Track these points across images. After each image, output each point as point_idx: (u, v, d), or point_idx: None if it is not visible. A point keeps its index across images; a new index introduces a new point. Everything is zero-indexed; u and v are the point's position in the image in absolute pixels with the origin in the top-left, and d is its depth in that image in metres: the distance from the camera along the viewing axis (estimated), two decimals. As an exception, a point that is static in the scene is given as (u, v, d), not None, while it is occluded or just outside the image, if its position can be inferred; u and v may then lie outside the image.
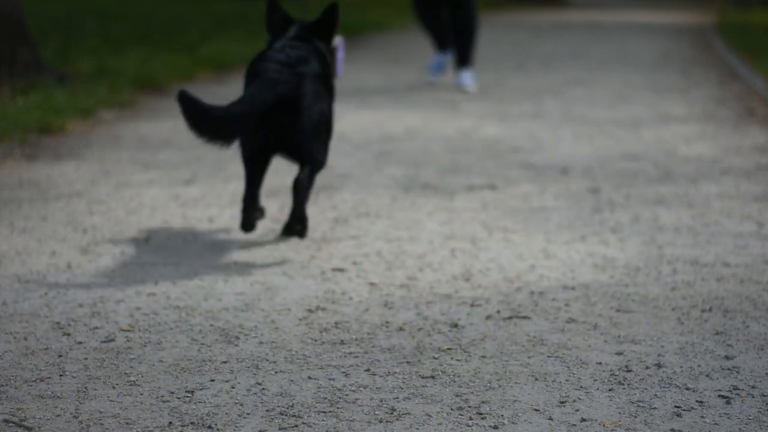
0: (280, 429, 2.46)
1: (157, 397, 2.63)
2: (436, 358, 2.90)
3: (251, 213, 3.85)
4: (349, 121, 6.66)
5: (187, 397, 2.64)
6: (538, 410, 2.58)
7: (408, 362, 2.88)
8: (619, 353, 2.96)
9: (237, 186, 4.89)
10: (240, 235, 4.08)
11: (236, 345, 2.99)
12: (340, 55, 4.09)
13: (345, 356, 2.92)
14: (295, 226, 3.87)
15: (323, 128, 3.85)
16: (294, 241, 4.02)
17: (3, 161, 5.38)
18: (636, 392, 2.69)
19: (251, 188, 3.84)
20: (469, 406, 2.60)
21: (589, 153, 5.79)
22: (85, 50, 8.90)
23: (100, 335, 3.06)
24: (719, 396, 2.68)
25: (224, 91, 7.97)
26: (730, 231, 4.22)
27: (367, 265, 3.75)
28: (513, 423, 2.51)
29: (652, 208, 4.58)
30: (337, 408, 2.58)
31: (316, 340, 3.04)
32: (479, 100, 7.79)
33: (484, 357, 2.92)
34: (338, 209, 4.51)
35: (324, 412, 2.56)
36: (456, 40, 8.23)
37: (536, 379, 2.77)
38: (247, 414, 2.54)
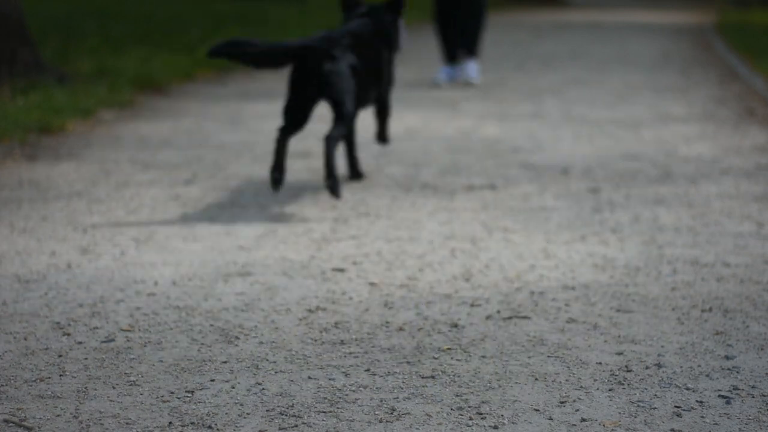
0: (280, 429, 2.46)
1: (157, 397, 2.63)
2: (436, 358, 2.90)
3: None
4: (349, 121, 6.67)
5: (187, 397, 2.64)
6: (538, 410, 2.58)
7: (408, 362, 2.88)
8: (619, 353, 2.96)
9: (237, 186, 4.90)
10: (239, 236, 4.08)
11: (236, 345, 2.99)
12: (403, 34, 5.04)
13: (345, 356, 2.92)
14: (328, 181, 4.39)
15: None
16: (294, 241, 4.02)
17: (3, 161, 5.38)
18: (636, 392, 2.69)
19: None
20: (469, 406, 2.60)
21: (589, 153, 5.79)
22: (85, 50, 8.90)
23: (100, 335, 3.06)
24: (719, 396, 2.68)
25: (224, 92, 7.98)
26: (730, 231, 4.22)
27: (367, 265, 3.75)
28: (513, 423, 2.51)
29: (652, 208, 4.58)
30: (337, 408, 2.58)
31: (316, 340, 3.04)
32: (479, 100, 7.80)
33: (484, 357, 2.92)
34: (338, 209, 4.51)
35: (324, 412, 2.56)
36: (462, 28, 8.52)
37: (536, 379, 2.77)
38: (247, 414, 2.54)
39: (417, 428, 2.48)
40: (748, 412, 2.59)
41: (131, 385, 2.71)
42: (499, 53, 11.05)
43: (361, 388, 2.70)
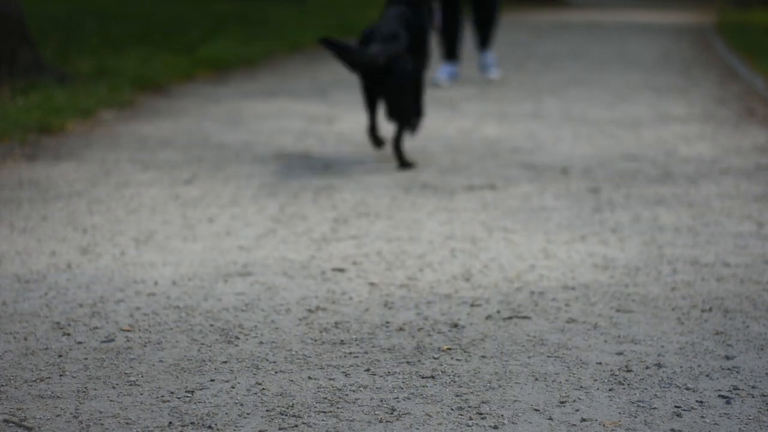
0: (280, 429, 2.46)
1: (157, 397, 2.63)
2: (436, 358, 2.90)
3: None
4: (350, 121, 6.67)
5: (187, 397, 2.64)
6: (538, 410, 2.58)
7: (408, 362, 2.88)
8: (619, 353, 2.96)
9: (237, 186, 4.90)
10: (239, 236, 4.09)
11: (236, 345, 2.99)
12: (438, 15, 5.78)
13: (345, 356, 2.92)
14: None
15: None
16: (294, 241, 4.02)
17: (3, 161, 5.38)
18: (636, 392, 2.69)
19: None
20: (469, 406, 2.60)
21: (589, 153, 5.79)
22: (85, 50, 8.90)
23: (100, 335, 3.06)
24: (719, 396, 2.68)
25: (224, 92, 7.98)
26: (730, 231, 4.22)
27: (367, 265, 3.75)
28: (513, 423, 2.51)
29: (652, 208, 4.58)
30: (337, 408, 2.58)
31: (316, 340, 3.04)
32: (479, 100, 7.80)
33: (484, 357, 2.92)
34: (338, 209, 4.51)
35: (324, 412, 2.56)
36: (476, 21, 8.93)
37: (536, 379, 2.77)
38: (247, 414, 2.54)
39: (417, 428, 2.48)
40: (748, 412, 2.59)
41: (131, 385, 2.71)
42: (499, 53, 11.04)
43: (361, 388, 2.70)
